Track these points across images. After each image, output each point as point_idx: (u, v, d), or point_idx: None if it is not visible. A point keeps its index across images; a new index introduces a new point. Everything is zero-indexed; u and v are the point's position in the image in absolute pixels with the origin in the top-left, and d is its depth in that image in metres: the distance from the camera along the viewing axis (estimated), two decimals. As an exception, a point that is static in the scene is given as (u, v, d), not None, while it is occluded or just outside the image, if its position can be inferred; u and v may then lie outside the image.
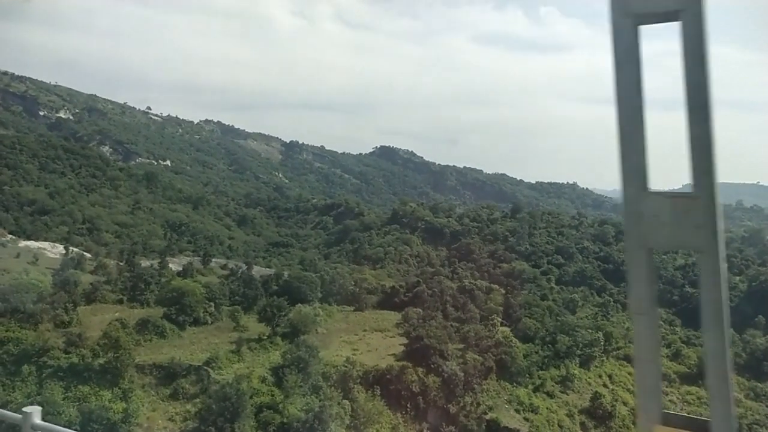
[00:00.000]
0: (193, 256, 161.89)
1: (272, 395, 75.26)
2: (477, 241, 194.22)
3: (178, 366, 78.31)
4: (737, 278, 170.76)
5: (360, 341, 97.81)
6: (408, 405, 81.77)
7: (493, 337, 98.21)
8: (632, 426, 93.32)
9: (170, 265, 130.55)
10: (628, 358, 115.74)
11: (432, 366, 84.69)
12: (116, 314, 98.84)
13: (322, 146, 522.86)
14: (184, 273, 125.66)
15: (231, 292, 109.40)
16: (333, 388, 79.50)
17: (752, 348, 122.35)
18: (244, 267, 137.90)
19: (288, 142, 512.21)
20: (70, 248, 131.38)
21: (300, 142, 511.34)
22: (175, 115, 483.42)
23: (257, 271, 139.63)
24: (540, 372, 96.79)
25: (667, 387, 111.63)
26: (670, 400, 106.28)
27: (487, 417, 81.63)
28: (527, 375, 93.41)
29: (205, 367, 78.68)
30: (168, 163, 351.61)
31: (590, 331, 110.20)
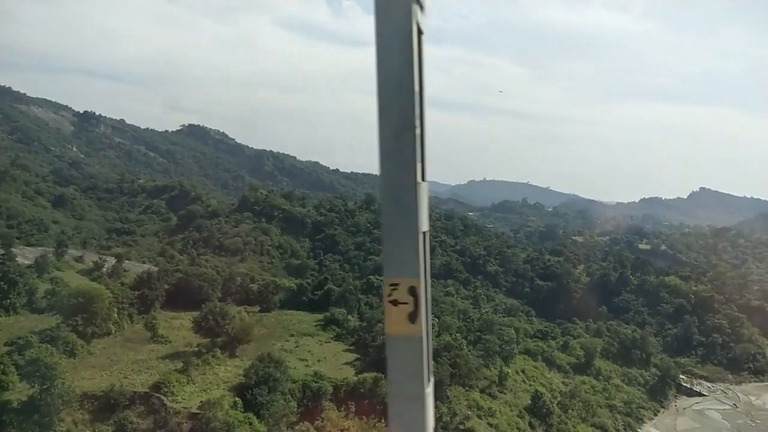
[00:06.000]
0: (20, 244, 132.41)
1: (250, 423, 62.68)
2: (341, 232, 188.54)
3: (119, 394, 61.45)
4: (577, 270, 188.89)
5: (298, 349, 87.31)
6: (383, 421, 74.32)
7: (436, 337, 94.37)
8: (567, 421, 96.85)
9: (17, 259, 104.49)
10: (529, 352, 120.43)
11: (403, 375, 78.10)
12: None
13: (121, 120, 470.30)
14: (38, 268, 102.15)
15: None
16: (305, 407, 69.39)
17: (621, 338, 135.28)
18: (113, 260, 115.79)
19: (81, 112, 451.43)
20: None
21: (96, 113, 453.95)
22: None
23: (126, 265, 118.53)
24: (478, 373, 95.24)
25: (564, 378, 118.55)
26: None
27: (463, 428, 77.73)
28: (474, 377, 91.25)
29: (156, 394, 62.90)
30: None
31: (507, 328, 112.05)
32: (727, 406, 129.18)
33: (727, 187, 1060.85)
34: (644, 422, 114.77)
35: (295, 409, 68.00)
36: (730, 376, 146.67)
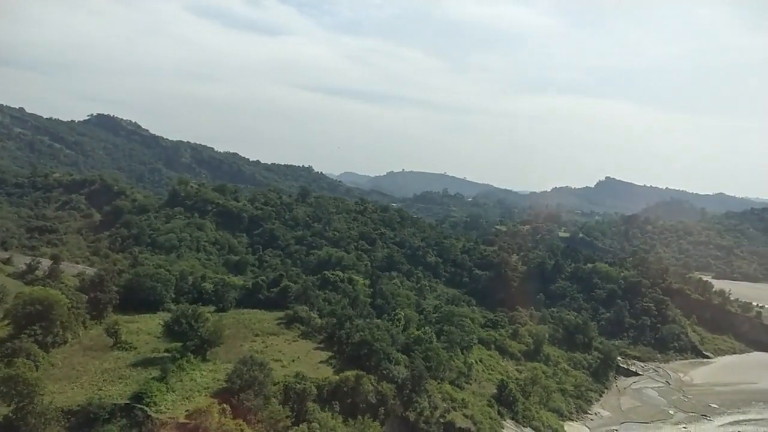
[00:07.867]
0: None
1: (242, 430, 59.69)
2: (280, 226, 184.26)
3: (98, 408, 56.84)
4: (513, 259, 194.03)
5: (268, 349, 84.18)
6: (364, 418, 73.14)
7: (403, 331, 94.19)
8: (531, 407, 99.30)
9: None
10: (482, 341, 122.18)
11: (383, 372, 77.26)
12: None
13: (21, 108, 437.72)
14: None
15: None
16: (290, 409, 67.00)
17: (565, 324, 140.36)
18: (48, 262, 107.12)
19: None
20: None
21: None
22: None
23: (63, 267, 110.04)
24: (447, 365, 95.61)
25: (516, 365, 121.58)
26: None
27: (443, 420, 77.87)
28: (444, 369, 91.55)
29: (138, 405, 58.66)
30: None
31: (467, 319, 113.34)
32: (660, 384, 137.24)
33: (629, 177, 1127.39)
34: (593, 403, 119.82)
35: (290, 413, 65.47)
36: (658, 355, 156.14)
